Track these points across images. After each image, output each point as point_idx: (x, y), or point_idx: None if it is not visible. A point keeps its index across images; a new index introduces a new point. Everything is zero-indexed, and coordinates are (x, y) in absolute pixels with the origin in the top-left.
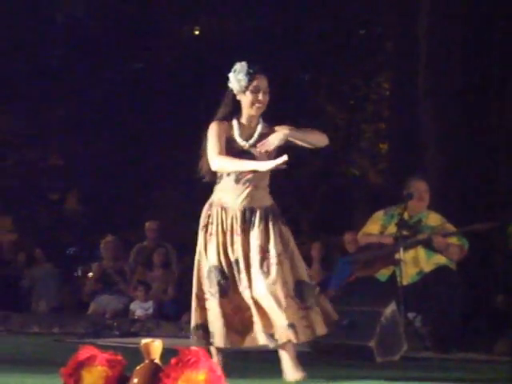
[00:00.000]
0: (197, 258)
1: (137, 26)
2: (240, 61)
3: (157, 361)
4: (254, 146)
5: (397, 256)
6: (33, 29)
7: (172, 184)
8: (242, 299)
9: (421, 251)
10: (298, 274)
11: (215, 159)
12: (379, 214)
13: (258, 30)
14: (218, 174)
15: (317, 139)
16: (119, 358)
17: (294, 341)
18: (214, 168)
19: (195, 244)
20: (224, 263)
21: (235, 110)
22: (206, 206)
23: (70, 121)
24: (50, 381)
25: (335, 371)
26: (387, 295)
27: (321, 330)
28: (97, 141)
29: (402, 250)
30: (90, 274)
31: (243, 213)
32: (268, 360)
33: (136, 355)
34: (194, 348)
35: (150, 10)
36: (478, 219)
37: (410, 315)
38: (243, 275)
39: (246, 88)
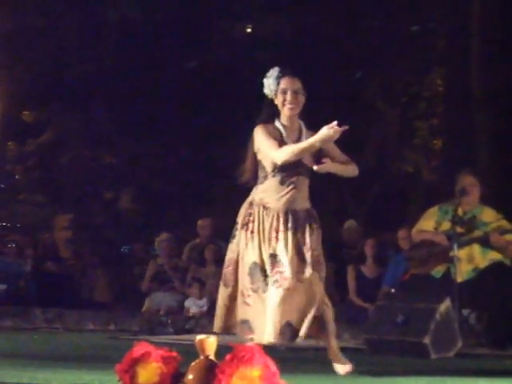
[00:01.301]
0: (240, 255)
1: (190, 24)
2: (289, 59)
3: (211, 357)
4: None
5: (451, 253)
6: (83, 28)
7: (225, 181)
8: None
9: (476, 248)
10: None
11: (279, 153)
12: (433, 210)
13: (309, 27)
14: (262, 175)
15: (350, 172)
16: (174, 354)
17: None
18: (280, 161)
19: None
20: (264, 261)
21: (274, 113)
22: (246, 205)
23: (123, 120)
24: (106, 377)
25: (390, 367)
26: (442, 292)
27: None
28: (150, 140)
29: (456, 247)
30: (146, 272)
31: (285, 214)
32: (320, 357)
33: (190, 352)
34: (249, 344)
35: (203, 8)
36: None
37: (465, 312)
38: (283, 268)
39: (276, 91)
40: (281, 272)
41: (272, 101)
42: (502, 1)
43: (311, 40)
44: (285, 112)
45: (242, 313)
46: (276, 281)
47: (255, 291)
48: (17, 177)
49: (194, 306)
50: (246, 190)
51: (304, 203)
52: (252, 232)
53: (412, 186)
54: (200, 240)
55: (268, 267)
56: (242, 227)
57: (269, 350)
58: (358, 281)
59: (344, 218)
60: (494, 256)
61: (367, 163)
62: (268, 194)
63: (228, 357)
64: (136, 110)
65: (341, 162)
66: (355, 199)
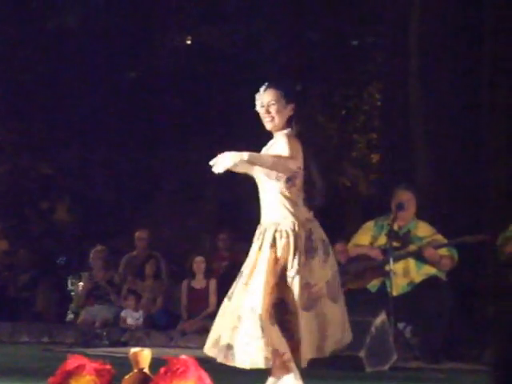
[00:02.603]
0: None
1: (130, 35)
2: (230, 70)
3: (146, 370)
4: None
5: (387, 267)
6: (22, 37)
7: (160, 193)
8: None
9: (411, 262)
10: None
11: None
12: (369, 225)
13: (249, 38)
14: None
15: (280, 168)
16: (108, 367)
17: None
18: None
19: (184, 252)
20: None
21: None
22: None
23: (60, 129)
24: None
25: (325, 381)
26: (377, 306)
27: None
28: (86, 150)
29: (392, 261)
30: (80, 284)
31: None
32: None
33: (125, 365)
34: (183, 357)
35: (144, 20)
36: (468, 229)
37: (400, 325)
38: None
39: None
40: None
41: None
42: (440, 14)
43: (250, 51)
44: (266, 126)
45: None
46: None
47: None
48: None
49: (129, 317)
50: (186, 201)
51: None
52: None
53: (349, 199)
54: (137, 252)
55: None
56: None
57: (203, 362)
58: None
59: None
60: (429, 270)
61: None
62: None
63: (162, 370)
64: (73, 120)
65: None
66: None
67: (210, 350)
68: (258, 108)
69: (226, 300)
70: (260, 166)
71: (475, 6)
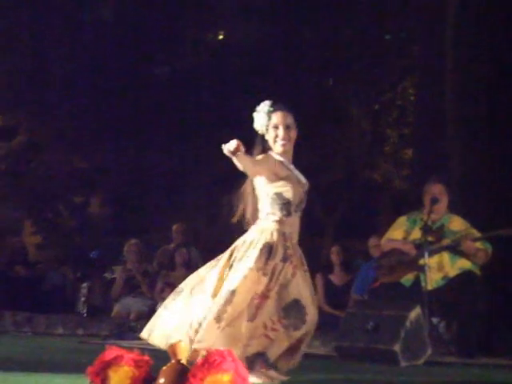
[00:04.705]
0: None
1: (161, 30)
2: (261, 67)
3: (183, 361)
4: None
5: (421, 261)
6: (57, 31)
7: (195, 187)
8: None
9: (445, 256)
10: None
11: None
12: (402, 220)
13: (282, 35)
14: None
15: (251, 171)
16: (146, 358)
17: None
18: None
19: (220, 247)
20: None
21: (265, 148)
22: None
23: (94, 124)
24: (77, 380)
25: (360, 375)
26: (412, 300)
27: None
28: (121, 144)
29: (426, 255)
30: (115, 277)
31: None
32: None
33: (159, 357)
34: (220, 349)
35: (175, 15)
36: (502, 224)
37: (435, 320)
38: None
39: (267, 126)
40: None
41: (263, 136)
42: (476, 9)
43: (283, 47)
44: (276, 148)
45: None
46: None
47: (286, 328)
48: None
49: None
50: (218, 194)
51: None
52: (295, 266)
53: (383, 194)
54: (173, 245)
55: None
56: (285, 260)
57: None
58: (326, 288)
59: (314, 227)
60: (463, 264)
61: (337, 172)
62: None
63: (199, 361)
64: (107, 115)
65: None
66: (326, 207)
67: None
68: (261, 127)
69: None
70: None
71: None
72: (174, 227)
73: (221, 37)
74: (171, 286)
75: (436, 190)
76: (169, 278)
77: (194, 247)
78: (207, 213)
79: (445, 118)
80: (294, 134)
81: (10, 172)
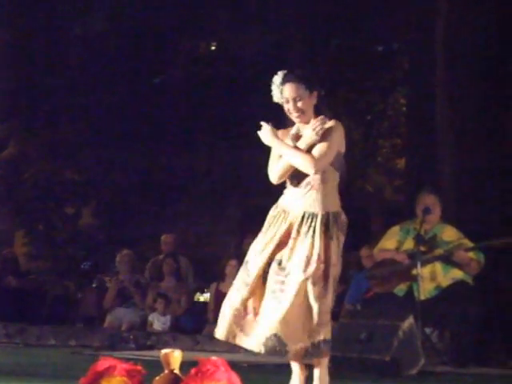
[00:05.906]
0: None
1: (155, 40)
2: (255, 76)
3: (176, 371)
4: None
5: (414, 271)
6: (49, 43)
7: (186, 198)
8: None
9: (438, 266)
10: None
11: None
12: (395, 230)
13: (274, 44)
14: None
15: (301, 164)
16: (139, 368)
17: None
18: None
19: (212, 258)
20: (264, 260)
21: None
22: (273, 208)
23: (85, 134)
24: None
25: None
26: (405, 310)
27: None
28: (113, 155)
29: (419, 265)
30: (107, 287)
31: (302, 217)
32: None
33: (152, 368)
34: (213, 358)
35: (168, 25)
36: (494, 234)
37: (428, 330)
38: (282, 278)
39: (282, 99)
40: (281, 282)
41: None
42: (466, 20)
43: (275, 57)
44: (294, 120)
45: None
46: (274, 291)
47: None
48: None
49: (157, 321)
50: (212, 207)
51: (326, 206)
52: (264, 232)
53: (375, 204)
54: (162, 256)
55: (272, 273)
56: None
57: (232, 365)
58: None
59: None
60: (456, 274)
61: None
62: (288, 197)
63: (193, 371)
64: (99, 125)
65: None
66: None
67: None
68: (278, 100)
69: None
70: None
71: (502, 13)
72: (163, 237)
73: (213, 48)
74: (164, 297)
75: (429, 200)
76: (159, 288)
77: (185, 256)
78: (200, 223)
79: (436, 129)
80: (301, 104)
81: (1, 183)
